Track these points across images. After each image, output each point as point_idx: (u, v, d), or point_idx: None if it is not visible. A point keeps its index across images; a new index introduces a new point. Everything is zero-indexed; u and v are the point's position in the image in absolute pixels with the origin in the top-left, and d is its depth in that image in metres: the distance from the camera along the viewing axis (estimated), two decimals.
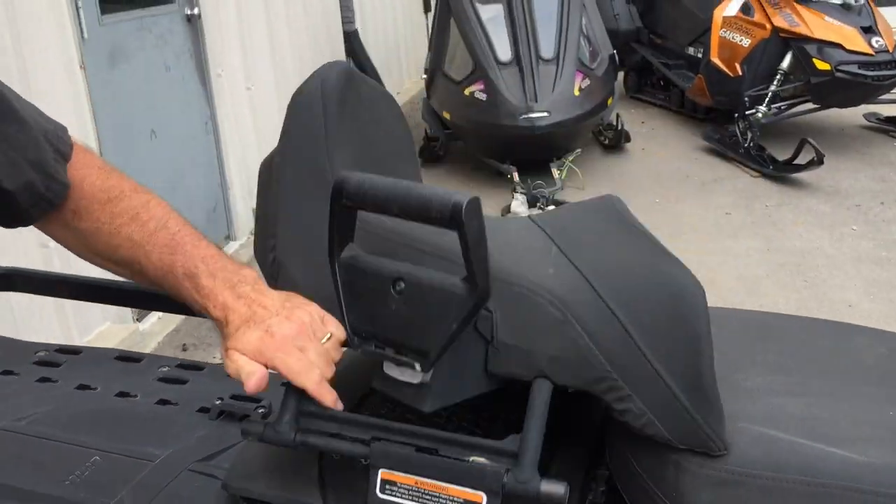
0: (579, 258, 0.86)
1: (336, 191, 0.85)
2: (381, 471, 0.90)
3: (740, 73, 5.90)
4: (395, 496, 0.90)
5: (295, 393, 0.91)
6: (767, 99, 5.78)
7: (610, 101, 5.74)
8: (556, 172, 5.31)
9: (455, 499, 0.88)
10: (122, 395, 1.44)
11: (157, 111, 4.01)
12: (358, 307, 0.89)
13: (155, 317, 3.76)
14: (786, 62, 5.76)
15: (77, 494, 1.18)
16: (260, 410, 1.32)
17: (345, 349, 0.92)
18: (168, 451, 1.25)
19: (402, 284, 0.85)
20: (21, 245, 2.78)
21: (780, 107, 5.93)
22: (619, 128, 6.13)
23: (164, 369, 1.53)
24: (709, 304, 0.83)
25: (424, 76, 6.13)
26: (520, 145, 5.25)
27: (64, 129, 1.05)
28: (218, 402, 1.37)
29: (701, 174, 5.81)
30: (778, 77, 5.79)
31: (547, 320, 0.83)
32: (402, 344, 0.87)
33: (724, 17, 5.99)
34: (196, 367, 1.55)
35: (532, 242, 0.92)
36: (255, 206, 3.52)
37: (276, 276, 1.01)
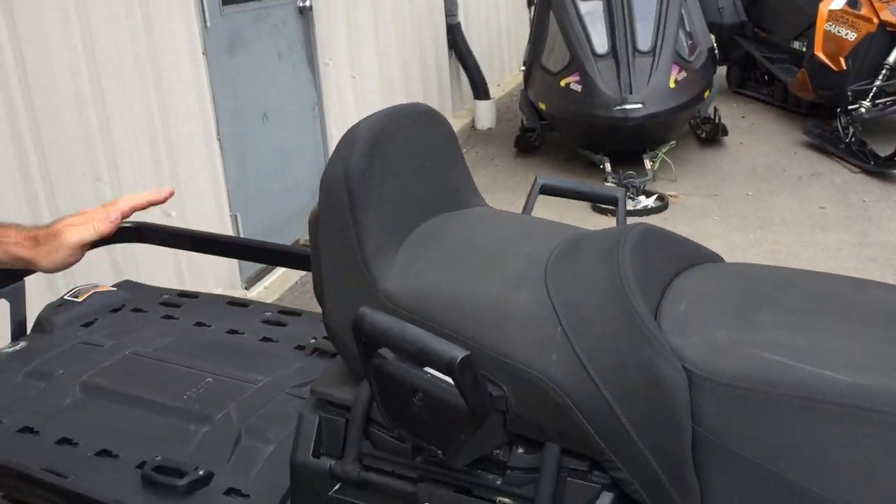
0: (580, 344, 1.04)
1: (355, 327, 1.05)
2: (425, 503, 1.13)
3: (844, 68, 5.82)
4: None
5: (355, 439, 1.15)
6: (872, 94, 5.69)
7: (707, 95, 5.76)
8: (648, 163, 5.40)
9: None
10: (231, 332, 1.77)
11: (269, 96, 4.31)
12: (390, 402, 1.10)
13: (262, 286, 4.09)
14: (892, 57, 5.65)
15: (193, 407, 1.51)
16: None
17: None
18: (269, 377, 1.54)
19: (421, 395, 1.06)
20: None
21: (884, 102, 5.82)
22: (717, 121, 6.14)
23: (268, 314, 1.84)
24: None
25: (523, 68, 6.27)
26: (613, 136, 5.36)
27: None
28: (312, 342, 1.69)
29: (799, 169, 5.78)
30: (883, 72, 5.68)
31: (551, 403, 1.03)
32: (423, 436, 1.08)
33: (830, 11, 5.89)
34: (294, 312, 1.88)
35: (541, 317, 1.08)
36: None
37: (329, 336, 1.24)
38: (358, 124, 1.23)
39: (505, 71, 8.53)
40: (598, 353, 1.03)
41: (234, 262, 3.72)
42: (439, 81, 6.66)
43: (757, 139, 6.37)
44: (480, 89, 6.96)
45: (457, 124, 6.76)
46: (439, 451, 1.06)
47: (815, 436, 0.94)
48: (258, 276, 4.11)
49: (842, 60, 5.83)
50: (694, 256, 1.24)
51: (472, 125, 7.14)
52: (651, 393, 1.00)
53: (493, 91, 7.36)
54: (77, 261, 1.45)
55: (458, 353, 0.96)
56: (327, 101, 4.81)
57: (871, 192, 5.26)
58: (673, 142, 5.72)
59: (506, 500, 1.10)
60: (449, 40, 6.80)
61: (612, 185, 5.16)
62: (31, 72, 2.64)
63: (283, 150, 4.44)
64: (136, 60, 3.15)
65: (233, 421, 1.48)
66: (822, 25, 5.94)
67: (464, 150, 6.69)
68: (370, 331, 1.03)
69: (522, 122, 6.28)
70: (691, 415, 0.99)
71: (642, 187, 5.13)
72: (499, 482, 1.11)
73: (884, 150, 5.53)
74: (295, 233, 4.40)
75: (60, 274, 1.89)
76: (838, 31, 5.85)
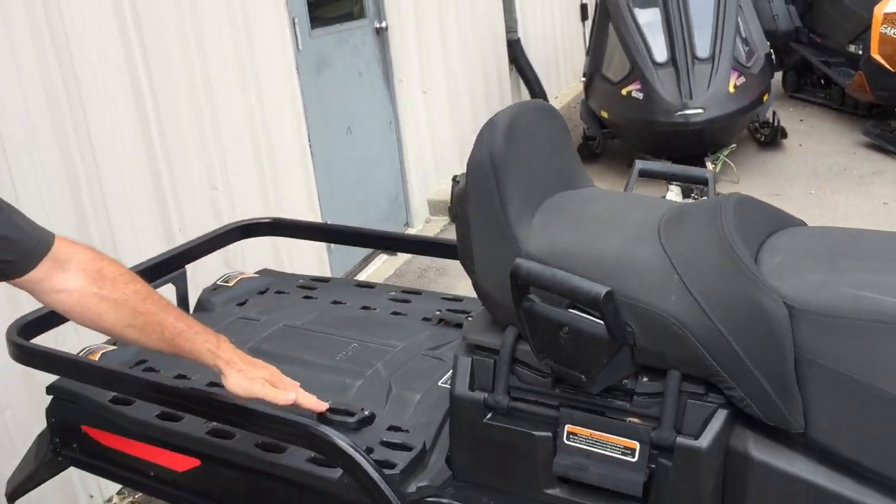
0: (694, 287, 1.27)
1: (512, 275, 1.30)
2: (567, 426, 1.37)
3: None
4: (576, 443, 1.37)
5: (504, 374, 1.39)
6: None
7: (766, 98, 5.92)
8: (710, 166, 5.58)
9: (617, 445, 1.33)
10: (364, 308, 2.03)
11: (352, 111, 4.61)
12: (539, 337, 1.34)
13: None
14: None
15: (346, 366, 1.78)
16: (469, 318, 1.86)
17: None
18: (404, 343, 1.80)
19: (567, 329, 1.30)
20: None
21: None
22: (776, 124, 6.28)
23: (392, 293, 2.11)
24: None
25: (583, 79, 6.49)
26: (674, 141, 5.55)
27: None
28: (437, 314, 1.96)
29: (860, 168, 5.90)
30: None
31: (673, 336, 1.26)
32: (570, 364, 1.32)
33: (886, 14, 6.01)
34: (415, 292, 2.17)
35: (659, 267, 1.31)
36: (428, 197, 4.13)
37: (478, 292, 1.49)
38: (496, 115, 1.49)
39: (562, 83, 8.76)
40: (711, 293, 1.27)
41: (325, 257, 3.98)
42: (501, 94, 6.91)
43: (816, 141, 6.50)
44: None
45: None
46: (582, 377, 1.30)
47: None
48: (353, 272, 4.40)
49: None
50: (782, 221, 1.47)
51: None
52: (758, 324, 1.23)
53: (552, 102, 7.59)
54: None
55: (602, 289, 1.20)
56: (402, 115, 5.10)
57: None
58: (733, 145, 5.89)
59: (634, 420, 1.34)
60: (510, 55, 7.06)
61: (677, 186, 5.35)
62: (158, 90, 2.95)
63: (364, 161, 4.73)
64: (241, 79, 3.46)
65: (382, 376, 1.74)
66: (877, 28, 6.06)
67: None
68: (526, 276, 1.28)
69: (584, 130, 6.49)
70: (792, 340, 1.22)
71: (705, 190, 5.30)
72: (627, 406, 1.34)
73: None
74: None
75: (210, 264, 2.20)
76: (895, 34, 5.97)
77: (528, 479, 1.41)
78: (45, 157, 2.52)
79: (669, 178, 1.79)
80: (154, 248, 2.64)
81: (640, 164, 1.78)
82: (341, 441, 1.36)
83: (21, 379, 2.36)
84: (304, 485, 1.50)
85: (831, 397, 1.21)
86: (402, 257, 4.59)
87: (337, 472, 1.46)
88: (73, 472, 1.97)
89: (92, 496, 2.72)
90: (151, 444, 1.66)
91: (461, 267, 1.51)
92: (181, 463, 1.64)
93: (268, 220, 2.30)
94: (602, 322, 1.24)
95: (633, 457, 1.33)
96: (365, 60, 4.80)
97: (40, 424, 1.82)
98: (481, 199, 1.43)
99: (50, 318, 1.75)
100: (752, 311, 1.24)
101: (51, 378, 1.77)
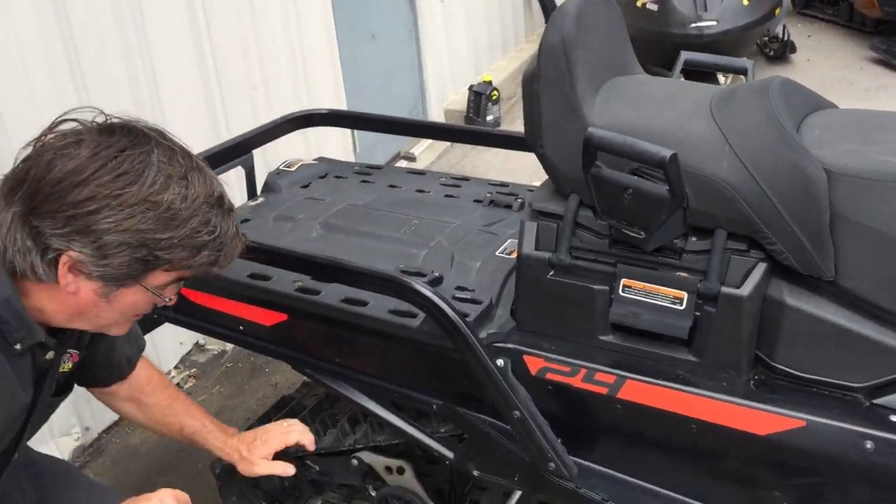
0: (743, 155, 1.44)
1: (586, 142, 1.47)
2: (623, 279, 1.56)
3: None
4: (630, 295, 1.56)
5: (567, 235, 1.57)
6: None
7: (777, 12, 5.99)
8: (721, 78, 5.68)
9: (667, 296, 1.53)
10: (419, 191, 2.20)
11: (376, 17, 4.69)
12: (604, 199, 1.52)
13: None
14: None
15: (410, 238, 1.98)
16: (518, 201, 2.05)
17: None
18: (461, 220, 2.00)
19: (631, 191, 1.47)
20: None
21: None
22: (785, 39, 6.37)
23: (443, 179, 2.28)
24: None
25: None
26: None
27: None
28: (488, 195, 2.14)
29: (866, 82, 6.02)
30: None
31: (723, 198, 1.44)
32: (632, 222, 1.51)
33: None
34: (464, 178, 2.34)
35: (712, 139, 1.48)
36: (444, 107, 4.30)
37: (544, 164, 1.66)
38: (565, 3, 1.64)
39: None
40: (758, 159, 1.44)
41: (352, 158, 4.14)
42: (514, 7, 6.95)
43: (824, 56, 6.59)
44: (551, 14, 7.21)
45: (528, 49, 7.06)
46: (640, 234, 1.48)
47: None
48: None
49: None
50: (818, 103, 1.64)
51: None
52: (799, 186, 1.41)
53: None
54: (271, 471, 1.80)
55: (668, 152, 1.38)
56: (421, 24, 5.17)
57: None
58: (745, 59, 5.98)
59: (683, 273, 1.53)
60: None
61: None
62: None
63: (386, 69, 4.84)
64: None
65: (444, 246, 1.93)
66: None
67: None
68: (598, 143, 1.45)
69: None
70: (829, 200, 1.40)
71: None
72: (677, 262, 1.53)
73: None
74: (396, 146, 4.81)
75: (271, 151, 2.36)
76: None
77: (585, 327, 1.61)
78: (111, 60, 2.65)
79: (713, 69, 1.94)
80: (204, 143, 2.79)
81: (685, 55, 1.94)
82: (427, 290, 1.55)
83: None
84: (385, 333, 1.70)
85: (861, 249, 1.40)
86: (424, 161, 4.75)
87: (416, 322, 1.66)
88: None
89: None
90: (242, 302, 1.85)
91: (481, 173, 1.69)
92: (269, 318, 1.83)
93: (325, 112, 2.46)
94: (663, 185, 1.42)
95: (681, 305, 1.52)
96: None
97: None
98: (552, 78, 1.59)
99: None
100: (794, 174, 1.41)
101: None
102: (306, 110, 2.43)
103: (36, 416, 1.48)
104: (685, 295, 1.52)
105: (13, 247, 1.23)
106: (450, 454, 1.78)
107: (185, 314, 1.92)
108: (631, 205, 1.47)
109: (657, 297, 1.54)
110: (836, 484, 1.45)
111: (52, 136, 1.27)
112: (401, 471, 2.01)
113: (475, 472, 1.77)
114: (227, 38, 3.23)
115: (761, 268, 1.48)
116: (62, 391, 1.56)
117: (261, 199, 2.21)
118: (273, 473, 1.77)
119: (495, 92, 5.43)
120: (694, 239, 1.52)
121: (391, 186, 2.27)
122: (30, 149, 1.28)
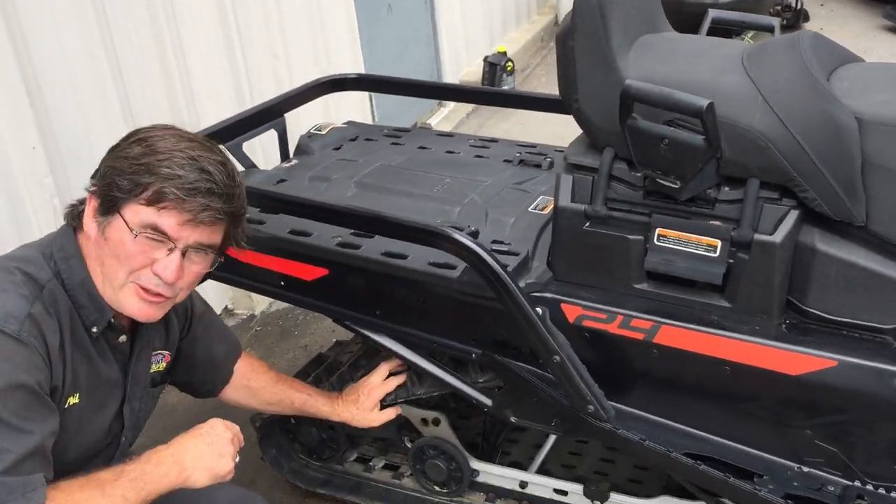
0: (776, 106, 1.48)
1: (623, 94, 1.51)
2: (658, 229, 1.61)
3: None
4: (665, 243, 1.61)
5: (602, 187, 1.62)
6: None
7: None
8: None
9: (701, 244, 1.58)
10: (449, 152, 2.25)
11: None
12: (641, 149, 1.56)
13: None
14: None
15: (444, 196, 2.03)
16: (548, 160, 2.12)
17: None
18: (492, 179, 2.05)
19: (667, 141, 1.52)
20: None
21: None
22: (798, 7, 6.37)
23: (471, 140, 2.33)
24: None
25: None
26: (701, 21, 5.65)
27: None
28: (517, 155, 2.20)
29: (879, 50, 6.01)
30: None
31: (756, 148, 1.49)
32: (667, 172, 1.55)
33: None
34: (493, 140, 2.39)
35: (745, 91, 1.52)
36: (459, 78, 4.34)
37: (579, 119, 1.70)
38: None
39: None
40: (791, 110, 1.49)
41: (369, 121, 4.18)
42: None
43: (837, 25, 6.59)
44: None
45: (540, 21, 7.08)
46: (676, 183, 1.53)
47: None
48: None
49: None
50: (846, 57, 1.68)
51: (556, 21, 7.45)
52: (831, 134, 1.46)
53: None
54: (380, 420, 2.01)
55: (705, 101, 1.43)
56: None
57: None
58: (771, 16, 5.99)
59: (716, 222, 1.58)
60: None
61: None
62: None
63: (402, 39, 4.86)
64: None
65: (478, 203, 1.98)
66: None
67: (551, 45, 7.03)
68: (636, 94, 1.49)
69: None
70: (861, 148, 1.45)
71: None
72: (710, 211, 1.58)
73: None
74: (413, 117, 4.85)
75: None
76: None
77: (620, 275, 1.67)
78: (139, 26, 2.70)
79: (740, 26, 1.98)
80: (230, 110, 2.84)
81: (713, 13, 1.98)
82: (469, 241, 1.60)
83: None
84: (425, 284, 1.76)
85: (892, 195, 1.45)
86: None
87: (455, 273, 1.72)
88: None
89: None
90: (284, 258, 1.90)
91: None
92: (310, 272, 1.89)
93: (354, 76, 2.50)
94: (698, 135, 1.47)
95: (715, 253, 1.58)
96: None
97: None
98: (587, 33, 1.63)
99: None
100: (827, 123, 1.46)
101: None
102: (337, 75, 2.48)
103: (132, 399, 1.57)
104: (719, 242, 1.57)
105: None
106: (488, 402, 1.84)
107: (227, 271, 1.98)
108: (667, 155, 1.52)
109: (691, 245, 1.59)
110: (865, 421, 1.51)
111: None
112: (436, 422, 2.08)
113: (512, 419, 1.83)
114: (251, 8, 3.27)
115: (793, 215, 1.53)
116: (156, 385, 1.68)
117: (294, 161, 2.26)
118: (389, 420, 1.99)
119: (510, 63, 5.45)
120: (727, 189, 1.57)
121: (421, 148, 2.32)
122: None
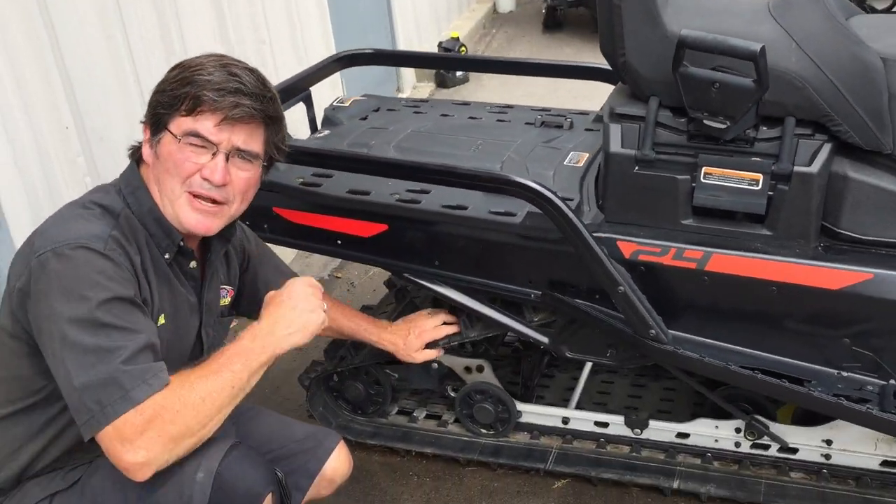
0: (810, 49, 1.68)
1: (680, 43, 1.67)
2: (704, 168, 1.78)
3: None
4: (711, 181, 1.78)
5: (650, 133, 1.79)
6: None
7: None
8: None
9: (744, 178, 1.76)
10: (472, 118, 2.39)
11: None
12: (692, 94, 1.73)
13: None
14: None
15: (482, 155, 2.16)
16: (568, 120, 2.28)
17: None
18: (524, 139, 2.22)
19: (718, 84, 1.69)
20: None
21: None
22: None
23: (489, 107, 2.47)
24: None
25: None
26: None
27: None
28: (538, 117, 2.36)
29: None
30: None
31: (793, 88, 1.67)
32: (717, 112, 1.72)
33: None
34: (508, 106, 2.53)
35: (779, 39, 1.71)
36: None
37: (624, 73, 1.86)
38: None
39: None
40: (823, 53, 1.68)
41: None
42: None
43: None
44: None
45: (480, 9, 7.26)
46: (727, 122, 1.70)
47: None
48: None
49: None
50: (852, 9, 1.89)
51: (494, 9, 7.64)
52: (860, 73, 1.66)
53: None
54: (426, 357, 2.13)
55: (758, 45, 1.60)
56: None
57: None
58: None
59: (757, 158, 1.76)
60: None
61: None
62: None
63: (364, 26, 4.92)
64: None
65: (515, 160, 2.12)
66: None
67: (493, 32, 7.22)
68: (693, 42, 1.66)
69: (548, 1, 6.79)
70: (888, 83, 1.65)
71: None
72: (751, 149, 1.76)
73: None
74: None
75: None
76: None
77: (669, 213, 1.83)
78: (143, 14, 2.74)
79: None
80: None
81: None
82: (540, 186, 1.74)
83: None
84: (488, 231, 1.89)
85: None
86: None
87: (517, 219, 1.86)
88: None
89: None
90: (342, 217, 2.01)
91: None
92: (369, 229, 2.00)
93: (370, 51, 2.61)
94: (746, 78, 1.64)
95: (757, 186, 1.75)
96: None
97: None
98: None
99: None
100: (856, 63, 1.66)
101: None
102: (352, 50, 2.59)
103: (207, 325, 1.67)
104: (760, 177, 1.75)
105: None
106: (545, 339, 1.99)
107: (284, 234, 2.07)
108: (717, 97, 1.68)
109: (735, 180, 1.77)
110: None
111: None
112: (480, 369, 2.22)
113: (568, 354, 1.98)
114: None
115: (827, 148, 1.72)
116: (223, 316, 1.78)
117: (326, 132, 2.35)
118: (429, 359, 2.12)
119: (463, 48, 5.61)
120: (764, 128, 1.75)
121: (443, 115, 2.44)
122: None
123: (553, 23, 6.79)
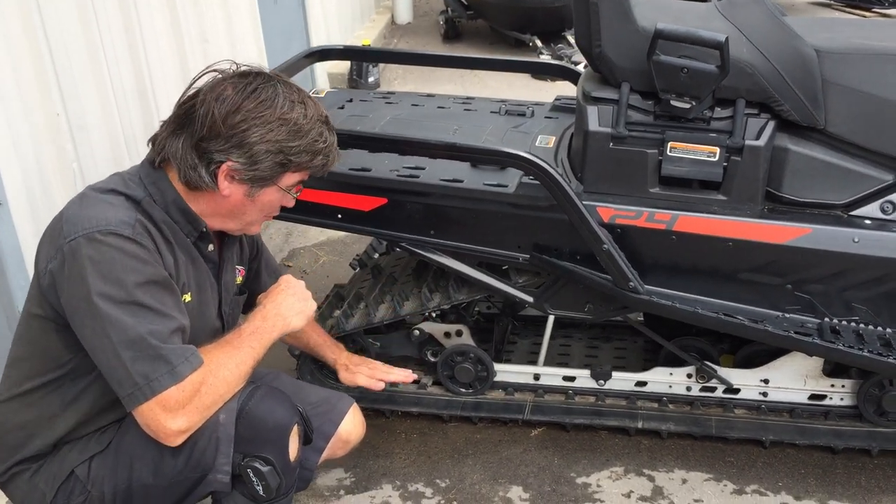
0: (757, 42, 2.01)
1: (656, 34, 1.97)
2: (670, 143, 2.08)
3: None
4: (676, 154, 2.08)
5: (623, 114, 2.07)
6: None
7: None
8: (571, 38, 6.39)
9: (703, 151, 2.06)
10: (440, 107, 2.63)
11: None
12: (663, 78, 2.02)
13: None
14: None
15: (462, 138, 2.38)
16: (530, 109, 2.57)
17: None
18: (492, 125, 2.45)
19: (686, 70, 1.99)
20: None
21: None
22: None
23: (453, 98, 2.74)
24: None
25: None
26: (540, 17, 6.30)
27: None
28: (502, 106, 2.62)
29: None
30: None
31: (745, 74, 1.99)
32: (684, 94, 2.03)
33: None
34: (470, 98, 2.78)
35: (730, 34, 2.02)
36: (327, 70, 4.71)
37: (599, 62, 2.14)
38: None
39: None
40: (769, 47, 2.01)
41: None
42: None
43: None
44: None
45: (380, 20, 7.50)
46: (693, 102, 2.01)
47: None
48: None
49: None
50: (781, 8, 2.24)
51: (392, 20, 7.89)
52: (799, 62, 2.00)
53: None
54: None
55: (723, 36, 1.91)
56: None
57: None
58: None
59: (714, 134, 2.07)
60: None
61: (547, 57, 6.14)
62: None
63: (286, 31, 5.08)
64: None
65: (493, 142, 2.37)
66: None
67: (394, 42, 7.46)
68: (668, 34, 1.95)
69: (448, 12, 7.10)
70: (820, 70, 1.99)
71: (572, 56, 6.14)
72: (709, 126, 2.07)
73: None
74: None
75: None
76: None
77: (640, 183, 2.12)
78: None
79: None
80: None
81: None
82: (538, 159, 2.00)
83: None
84: (483, 202, 2.13)
85: (843, 103, 2.00)
86: None
87: (510, 189, 2.10)
88: None
89: None
90: (343, 192, 2.19)
91: None
92: (369, 203, 2.20)
93: (340, 47, 2.80)
94: (710, 64, 1.95)
95: (715, 157, 2.06)
96: None
97: None
98: None
99: None
100: (795, 54, 2.00)
101: None
102: (322, 46, 2.77)
103: (225, 304, 1.85)
104: (717, 150, 2.06)
105: (185, 165, 1.63)
106: (529, 298, 2.24)
107: (284, 209, 2.23)
108: (685, 81, 1.99)
109: (696, 153, 2.07)
110: (830, 273, 2.06)
111: (203, 83, 1.67)
112: (459, 333, 2.45)
113: (550, 311, 2.24)
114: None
115: (771, 125, 2.05)
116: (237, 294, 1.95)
117: None
118: (367, 386, 2.23)
119: None
120: (719, 109, 2.07)
121: (414, 105, 2.66)
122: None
123: (453, 33, 7.10)
